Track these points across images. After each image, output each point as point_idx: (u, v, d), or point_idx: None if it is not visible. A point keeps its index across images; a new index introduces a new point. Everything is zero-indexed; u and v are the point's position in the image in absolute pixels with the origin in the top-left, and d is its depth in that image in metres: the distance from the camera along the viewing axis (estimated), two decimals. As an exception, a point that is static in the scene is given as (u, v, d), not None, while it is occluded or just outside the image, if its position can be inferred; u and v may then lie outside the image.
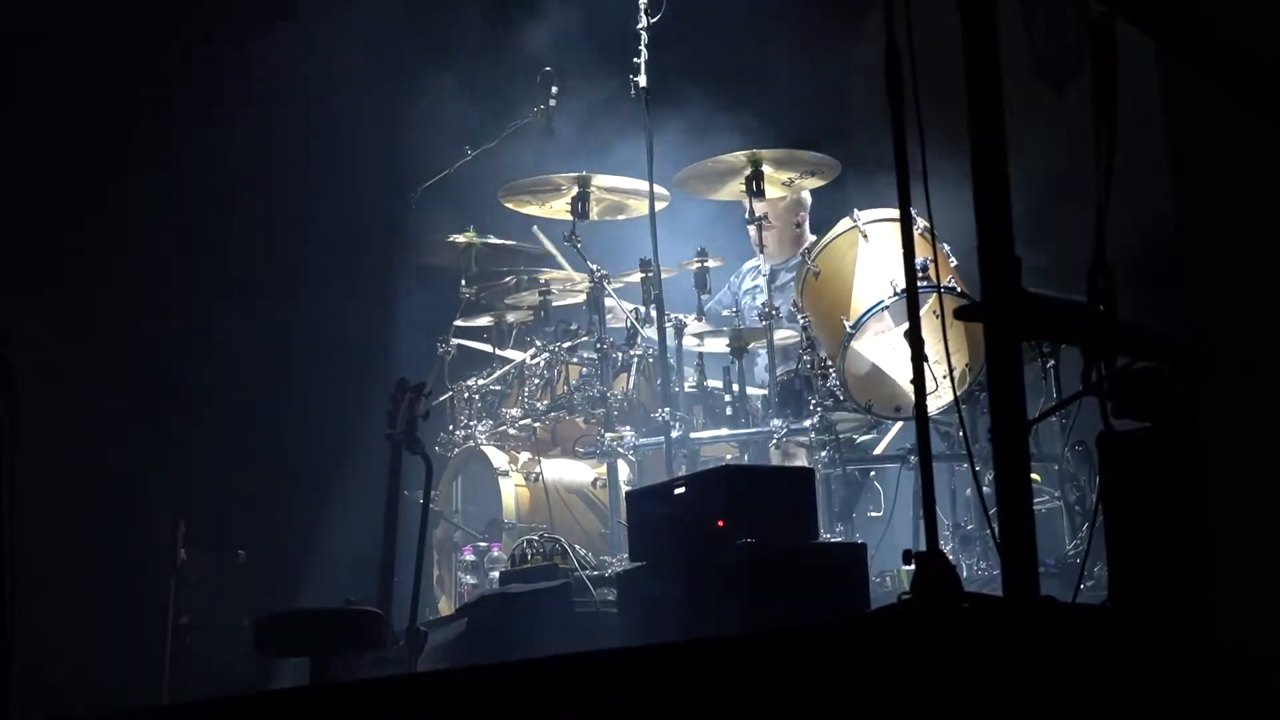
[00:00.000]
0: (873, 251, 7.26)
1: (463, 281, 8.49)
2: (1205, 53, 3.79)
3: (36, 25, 8.64)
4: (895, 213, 6.93)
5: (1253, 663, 3.62)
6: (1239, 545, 3.72)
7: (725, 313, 8.45)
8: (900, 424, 7.41)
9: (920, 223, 6.75)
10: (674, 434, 7.30)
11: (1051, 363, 7.02)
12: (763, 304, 7.54)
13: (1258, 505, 3.66)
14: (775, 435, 7.34)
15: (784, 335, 7.61)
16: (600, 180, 7.98)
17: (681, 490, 6.08)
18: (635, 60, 7.59)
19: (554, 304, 8.14)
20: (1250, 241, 3.75)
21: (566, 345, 7.99)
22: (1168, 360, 4.20)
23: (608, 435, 7.55)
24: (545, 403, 7.96)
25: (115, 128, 8.86)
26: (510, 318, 8.45)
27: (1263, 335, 3.69)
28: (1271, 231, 3.71)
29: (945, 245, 7.16)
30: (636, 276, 7.73)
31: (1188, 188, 3.84)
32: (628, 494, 6.76)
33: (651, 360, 7.81)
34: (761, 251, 7.74)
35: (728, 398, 7.65)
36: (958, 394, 6.67)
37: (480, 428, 8.12)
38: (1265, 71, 3.68)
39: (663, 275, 7.61)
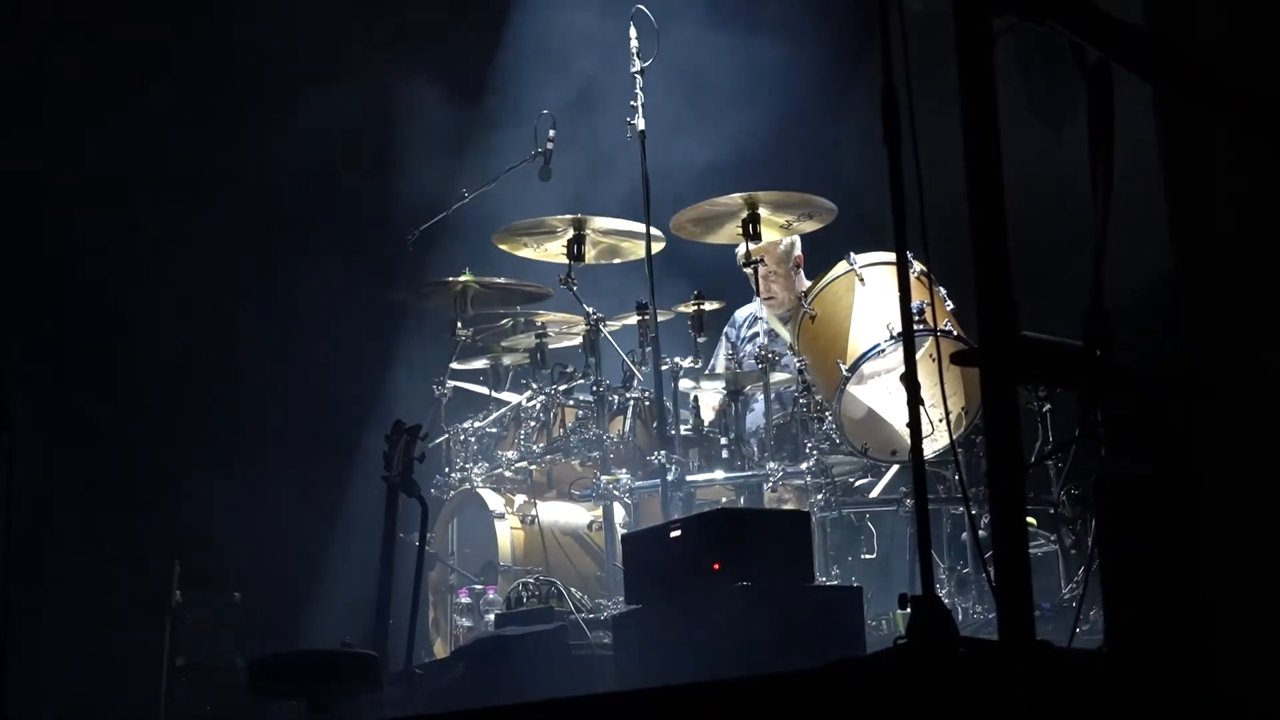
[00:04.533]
0: (869, 295, 7.25)
1: (458, 324, 8.47)
2: (1203, 92, 3.80)
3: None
4: (892, 256, 6.95)
5: (1256, 703, 3.61)
6: (1241, 581, 3.72)
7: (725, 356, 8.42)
8: (896, 467, 7.39)
9: (917, 266, 6.75)
10: (670, 477, 7.29)
11: (1047, 406, 7.03)
12: (760, 346, 7.52)
13: (1260, 539, 3.67)
14: (771, 478, 7.33)
15: (780, 379, 7.59)
16: (596, 223, 8.00)
17: (677, 533, 6.07)
18: (632, 103, 7.61)
19: (550, 346, 8.15)
20: (1248, 276, 3.76)
21: (562, 388, 7.98)
22: (1165, 397, 4.20)
23: (604, 478, 7.53)
24: (541, 445, 7.95)
25: (108, 158, 8.87)
26: (506, 360, 8.44)
27: (1263, 369, 3.70)
28: (1269, 265, 3.73)
29: (942, 289, 7.15)
30: (633, 319, 7.73)
31: (1185, 222, 3.85)
32: (624, 537, 6.75)
33: (648, 404, 7.80)
34: (759, 296, 7.76)
35: (723, 440, 7.63)
36: (954, 438, 6.66)
37: (476, 470, 8.11)
38: (1264, 106, 3.69)
39: (659, 318, 7.62)
